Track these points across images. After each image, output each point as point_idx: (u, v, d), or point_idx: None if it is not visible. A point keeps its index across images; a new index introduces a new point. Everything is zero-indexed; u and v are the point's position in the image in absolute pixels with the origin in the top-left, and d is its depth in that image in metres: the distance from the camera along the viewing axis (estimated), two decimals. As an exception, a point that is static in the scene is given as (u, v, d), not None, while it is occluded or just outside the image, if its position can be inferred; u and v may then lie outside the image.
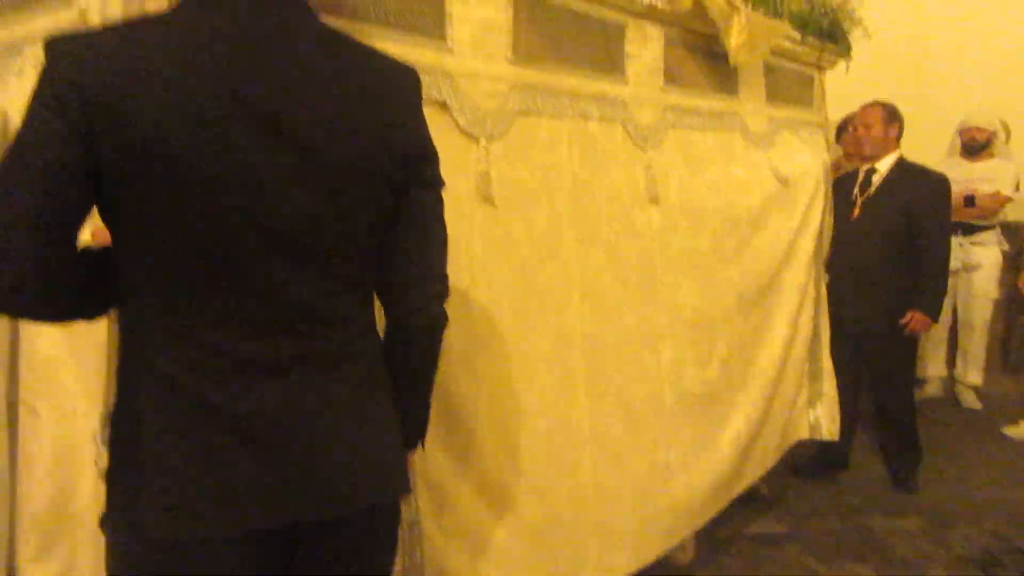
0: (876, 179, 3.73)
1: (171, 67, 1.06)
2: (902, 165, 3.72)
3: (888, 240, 3.62)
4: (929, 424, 4.47)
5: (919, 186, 3.65)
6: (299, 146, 1.12)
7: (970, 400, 5.06)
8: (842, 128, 4.72)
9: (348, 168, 1.17)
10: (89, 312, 1.21)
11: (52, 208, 1.05)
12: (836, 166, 4.34)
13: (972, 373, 5.03)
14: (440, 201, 1.33)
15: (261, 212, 1.11)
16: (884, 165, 3.73)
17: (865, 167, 3.80)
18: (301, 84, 1.13)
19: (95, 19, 1.33)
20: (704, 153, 2.83)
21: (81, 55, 1.05)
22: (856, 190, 3.76)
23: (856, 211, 3.71)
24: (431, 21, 1.85)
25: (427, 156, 1.29)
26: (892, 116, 3.74)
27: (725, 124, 2.95)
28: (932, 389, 5.16)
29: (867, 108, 3.79)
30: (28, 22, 1.51)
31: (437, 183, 1.32)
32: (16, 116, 1.43)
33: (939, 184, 3.68)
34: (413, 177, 1.25)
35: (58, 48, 1.06)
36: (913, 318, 3.59)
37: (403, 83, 1.27)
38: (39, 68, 1.41)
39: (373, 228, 1.23)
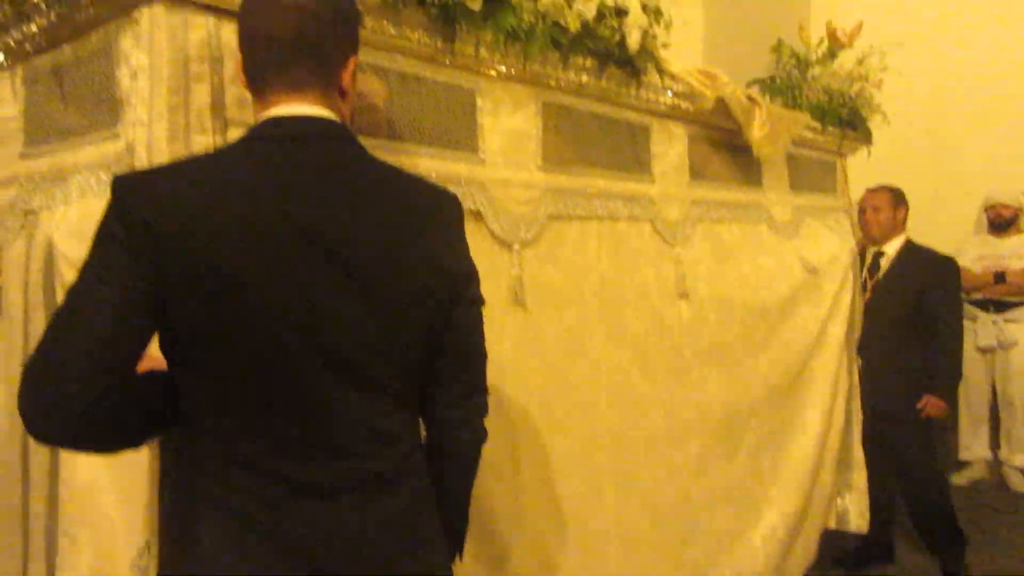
0: (884, 262, 3.72)
1: (235, 201, 1.11)
2: (910, 248, 3.71)
3: (900, 324, 3.57)
4: (975, 509, 4.32)
5: (928, 269, 3.63)
6: (357, 273, 1.16)
7: (1018, 482, 4.89)
8: (863, 210, 4.73)
9: (402, 292, 1.21)
10: (138, 440, 1.22)
11: (116, 343, 1.07)
12: (860, 246, 4.33)
13: (1018, 454, 4.87)
14: (481, 317, 1.37)
15: (322, 338, 1.15)
16: (892, 248, 3.73)
17: (873, 250, 3.80)
18: (356, 214, 1.18)
19: (141, 152, 1.37)
20: (731, 245, 2.84)
21: (149, 192, 1.09)
22: (865, 273, 3.74)
23: (867, 295, 3.69)
24: (463, 135, 1.90)
25: (471, 276, 1.34)
26: (899, 199, 3.75)
27: (751, 215, 2.97)
28: (977, 472, 5.00)
29: (874, 192, 3.80)
30: (75, 151, 1.56)
31: (479, 300, 1.36)
32: (63, 244, 1.47)
33: (947, 266, 3.66)
34: (458, 296, 1.30)
35: (126, 186, 1.10)
36: (928, 402, 3.51)
37: (447, 209, 1.33)
38: (85, 197, 1.47)
39: (422, 347, 1.26)
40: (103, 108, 1.50)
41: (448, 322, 1.28)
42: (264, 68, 1.21)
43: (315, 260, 1.13)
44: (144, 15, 1.38)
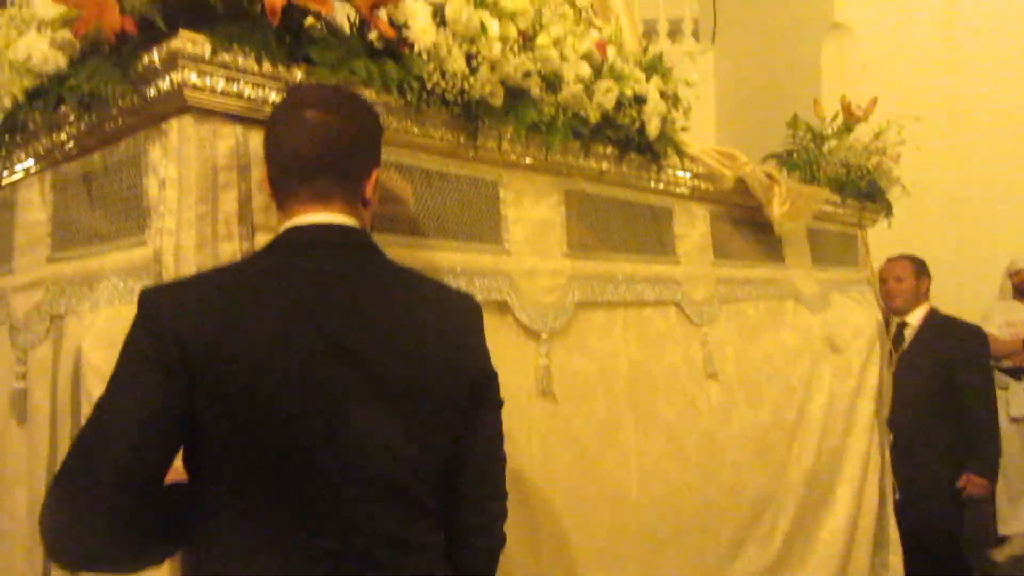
0: (908, 333, 3.67)
1: (262, 314, 1.12)
2: (934, 317, 3.66)
3: (928, 397, 3.49)
4: (1018, 587, 4.15)
5: (954, 338, 3.57)
6: (383, 386, 1.17)
7: (1059, 556, 4.71)
8: (885, 280, 4.69)
9: (427, 402, 1.22)
10: (160, 558, 1.21)
11: (143, 461, 1.07)
12: (885, 315, 4.27)
13: (1059, 528, 4.71)
14: (501, 421, 1.37)
15: (351, 453, 1.14)
16: (915, 318, 3.68)
17: (896, 320, 3.74)
18: (380, 325, 1.19)
19: (169, 260, 1.36)
20: (757, 323, 2.80)
21: (176, 306, 1.10)
22: (889, 345, 3.68)
23: (892, 368, 3.62)
24: (487, 227, 1.89)
25: (490, 379, 1.34)
26: (922, 269, 3.72)
27: (776, 292, 2.93)
28: (1017, 547, 4.83)
29: (896, 262, 3.77)
30: (102, 257, 1.56)
31: (498, 403, 1.36)
32: (90, 353, 1.45)
33: (975, 335, 3.60)
34: (478, 400, 1.30)
35: (154, 300, 1.11)
36: (969, 481, 3.40)
37: (466, 312, 1.34)
38: (112, 304, 1.46)
39: (443, 452, 1.26)
40: (131, 215, 1.51)
41: (470, 428, 1.29)
42: (289, 179, 1.23)
43: (343, 373, 1.14)
44: (173, 126, 1.40)
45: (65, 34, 1.49)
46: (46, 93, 1.55)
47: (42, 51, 1.51)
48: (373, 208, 1.34)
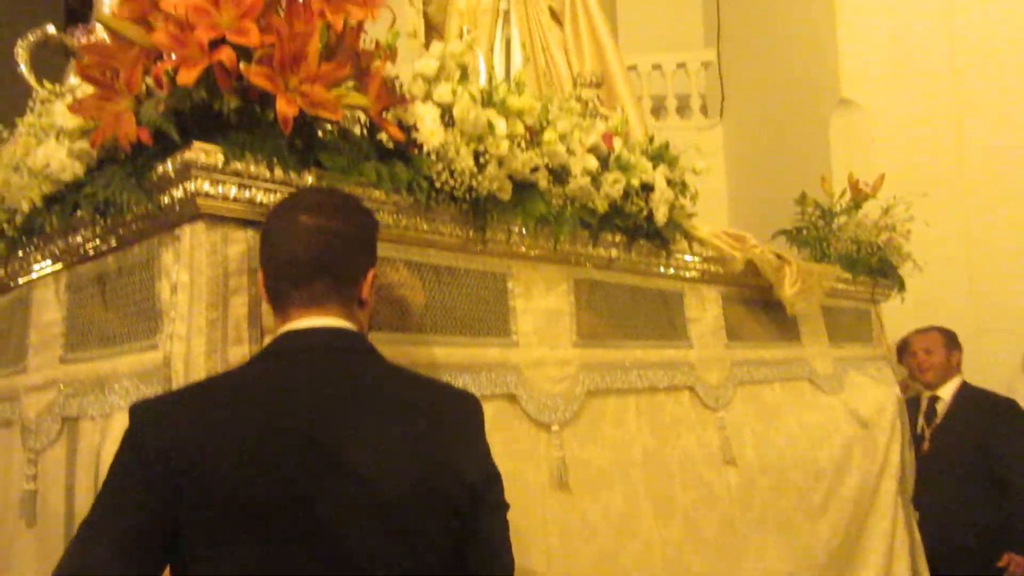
0: (941, 408, 3.59)
1: (248, 426, 1.11)
2: (967, 391, 3.59)
3: (965, 475, 3.40)
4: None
5: (989, 413, 3.49)
6: (376, 495, 1.14)
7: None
8: (903, 349, 4.63)
9: (419, 505, 1.18)
10: None
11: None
12: (903, 386, 4.20)
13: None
14: (506, 524, 1.33)
15: (340, 567, 1.11)
16: (947, 392, 3.61)
17: (927, 395, 3.68)
18: (376, 432, 1.17)
19: (179, 366, 1.37)
20: (775, 405, 2.76)
21: (162, 423, 1.10)
22: (921, 420, 3.61)
23: (926, 444, 3.54)
24: (496, 319, 1.90)
25: (492, 482, 1.31)
26: (952, 341, 3.66)
27: (792, 372, 2.90)
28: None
29: (925, 334, 3.72)
30: (115, 359, 1.57)
31: (503, 506, 1.33)
32: (109, 458, 1.45)
33: (1010, 409, 3.52)
34: (479, 504, 1.26)
35: (140, 416, 1.12)
36: (1012, 561, 3.28)
37: (466, 414, 1.32)
38: (124, 410, 1.46)
39: (444, 560, 1.22)
40: (144, 318, 1.52)
41: (472, 535, 1.25)
42: (284, 284, 1.25)
43: (333, 487, 1.11)
44: (186, 232, 1.42)
45: (83, 144, 1.53)
46: (63, 199, 1.59)
47: (60, 159, 1.55)
48: (371, 307, 1.34)
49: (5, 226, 1.75)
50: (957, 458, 3.43)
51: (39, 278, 1.83)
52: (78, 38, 2.58)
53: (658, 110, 7.64)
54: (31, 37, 2.46)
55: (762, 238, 3.35)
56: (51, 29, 2.47)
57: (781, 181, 5.93)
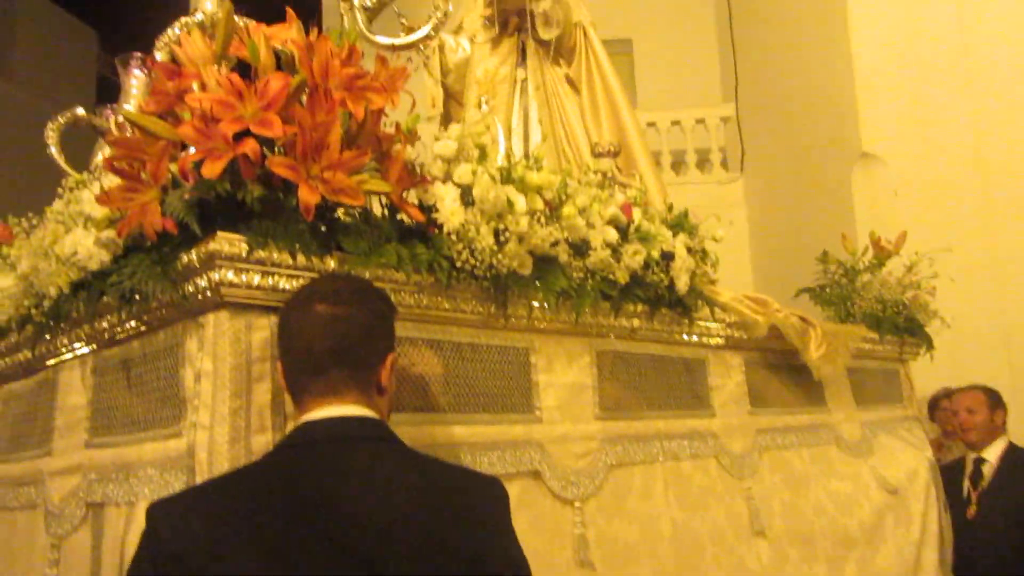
0: (987, 470, 3.48)
1: (264, 521, 1.10)
2: (1014, 452, 3.49)
3: (1016, 539, 3.28)
4: None
5: None
6: None
7: None
8: (934, 405, 4.54)
9: None
10: None
11: None
12: (936, 445, 4.10)
13: None
14: None
15: None
16: (993, 454, 3.50)
17: (972, 456, 3.57)
18: (394, 523, 1.16)
19: (202, 456, 1.37)
20: (803, 472, 2.71)
21: (178, 523, 1.10)
22: (967, 483, 3.51)
23: (972, 509, 3.43)
24: (519, 395, 1.89)
25: (515, 567, 1.27)
26: (996, 401, 3.56)
27: (819, 437, 2.85)
28: None
29: (967, 393, 3.63)
30: (139, 446, 1.58)
31: None
32: (132, 545, 1.44)
33: None
34: None
35: (156, 516, 1.12)
36: None
37: (490, 501, 1.30)
38: (149, 498, 1.46)
39: None
40: (167, 404, 1.53)
41: None
42: (302, 374, 1.25)
43: (346, 571, 1.10)
44: (210, 320, 1.43)
45: (110, 233, 1.56)
46: (90, 286, 1.61)
47: (87, 248, 1.58)
48: (391, 393, 1.33)
49: (33, 311, 1.77)
50: (1007, 523, 3.31)
51: (65, 361, 1.85)
52: (106, 118, 2.66)
53: (678, 165, 7.69)
54: (61, 119, 2.53)
55: (786, 292, 3.33)
56: (80, 111, 2.54)
57: (805, 230, 5.93)
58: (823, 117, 5.97)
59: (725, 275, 2.47)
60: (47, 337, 1.85)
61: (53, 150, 2.48)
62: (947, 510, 3.34)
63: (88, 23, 12.73)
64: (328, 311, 1.25)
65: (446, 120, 3.43)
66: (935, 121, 5.26)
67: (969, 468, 3.55)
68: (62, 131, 2.49)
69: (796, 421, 2.78)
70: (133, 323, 1.61)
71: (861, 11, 5.49)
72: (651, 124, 7.13)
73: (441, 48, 3.25)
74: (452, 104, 3.38)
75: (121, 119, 2.58)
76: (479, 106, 3.07)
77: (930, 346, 3.45)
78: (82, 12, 12.31)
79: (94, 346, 1.75)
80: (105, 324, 1.68)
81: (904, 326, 3.35)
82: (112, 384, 1.71)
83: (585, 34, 3.20)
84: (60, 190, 1.81)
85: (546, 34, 3.00)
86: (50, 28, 12.00)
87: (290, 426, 1.43)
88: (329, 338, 1.23)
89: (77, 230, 1.63)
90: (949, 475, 3.55)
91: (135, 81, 2.54)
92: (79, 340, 1.78)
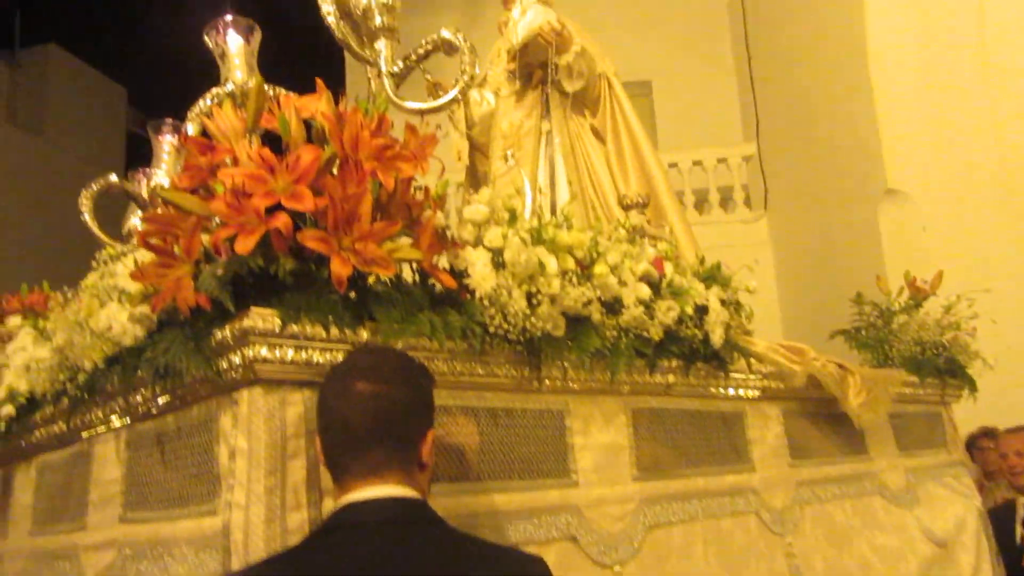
0: (1041, 515, 3.38)
1: None
2: None
3: None
4: None
5: None
6: None
7: None
8: (972, 445, 4.40)
9: None
10: None
11: None
12: (977, 487, 3.98)
13: None
14: None
15: None
16: None
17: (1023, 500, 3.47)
18: None
19: (238, 535, 1.35)
20: (846, 526, 2.63)
21: None
22: (1020, 529, 3.39)
23: (1026, 556, 3.32)
24: (554, 459, 1.85)
25: None
26: None
27: (863, 488, 2.77)
28: None
29: (1017, 435, 3.54)
30: (174, 523, 1.56)
31: None
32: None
33: None
34: None
35: None
36: None
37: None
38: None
39: None
40: (202, 481, 1.51)
41: None
42: (342, 454, 1.23)
43: None
44: (244, 397, 1.42)
45: (144, 308, 1.56)
46: (124, 361, 1.61)
47: (122, 323, 1.58)
48: (431, 469, 1.31)
49: (68, 384, 1.77)
50: None
51: (100, 434, 1.84)
52: (138, 182, 2.70)
53: (701, 204, 7.66)
54: (94, 186, 2.57)
55: (815, 330, 3.27)
56: (113, 178, 2.58)
57: (832, 267, 5.87)
58: (847, 153, 5.93)
59: (754, 315, 2.42)
60: (82, 410, 1.85)
61: (87, 216, 2.51)
62: (999, 559, 3.23)
63: (116, 79, 13.10)
64: (368, 389, 1.23)
65: (472, 172, 3.45)
66: (961, 155, 5.20)
67: (1021, 513, 3.43)
68: (95, 200, 2.53)
69: (837, 471, 2.71)
70: (167, 398, 1.60)
71: (882, 45, 5.47)
72: (672, 165, 7.13)
73: (466, 101, 3.28)
74: (477, 156, 3.40)
75: (153, 183, 2.62)
76: (505, 159, 3.08)
77: (973, 388, 3.36)
78: (110, 70, 12.66)
79: (128, 420, 1.74)
80: (139, 398, 1.67)
81: (945, 368, 3.27)
82: (146, 458, 1.70)
83: (609, 84, 3.22)
84: (94, 263, 1.82)
85: (570, 86, 3.02)
86: (81, 86, 12.35)
87: (327, 503, 1.41)
88: (369, 417, 1.22)
89: (112, 304, 1.63)
90: (998, 521, 3.43)
91: (166, 147, 2.59)
92: (114, 413, 1.78)
